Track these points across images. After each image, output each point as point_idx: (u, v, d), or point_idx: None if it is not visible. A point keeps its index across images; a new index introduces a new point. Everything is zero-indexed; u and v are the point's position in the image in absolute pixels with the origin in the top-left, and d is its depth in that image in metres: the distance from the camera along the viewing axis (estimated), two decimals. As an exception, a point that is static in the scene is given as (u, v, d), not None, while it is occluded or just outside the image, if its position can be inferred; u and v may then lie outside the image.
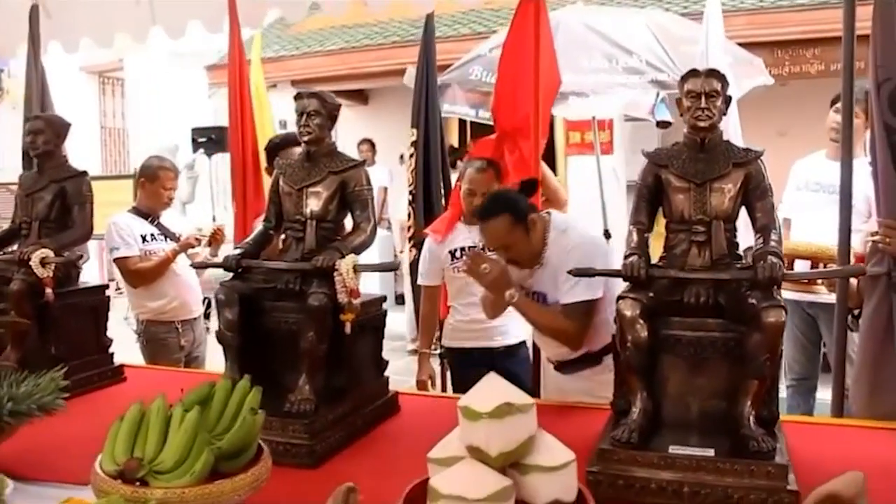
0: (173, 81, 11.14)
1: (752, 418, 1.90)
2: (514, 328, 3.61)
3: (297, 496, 1.94)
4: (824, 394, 4.18)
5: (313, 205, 2.46)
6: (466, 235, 3.59)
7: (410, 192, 4.23)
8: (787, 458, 1.85)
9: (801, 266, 3.65)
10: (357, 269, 2.30)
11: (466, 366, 3.64)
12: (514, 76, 3.44)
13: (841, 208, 2.92)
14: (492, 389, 1.41)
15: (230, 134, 3.87)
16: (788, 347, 3.91)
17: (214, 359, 4.32)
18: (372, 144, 8.21)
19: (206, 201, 9.43)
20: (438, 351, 3.88)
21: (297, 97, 2.47)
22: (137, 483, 1.56)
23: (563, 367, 2.84)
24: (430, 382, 3.78)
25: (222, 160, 9.34)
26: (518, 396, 1.39)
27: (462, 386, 3.56)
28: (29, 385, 2.04)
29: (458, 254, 3.59)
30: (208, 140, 8.60)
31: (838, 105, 3.66)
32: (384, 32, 9.56)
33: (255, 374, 1.94)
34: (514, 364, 3.53)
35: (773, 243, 2.01)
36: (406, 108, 4.42)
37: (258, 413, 1.70)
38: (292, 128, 2.58)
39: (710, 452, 1.87)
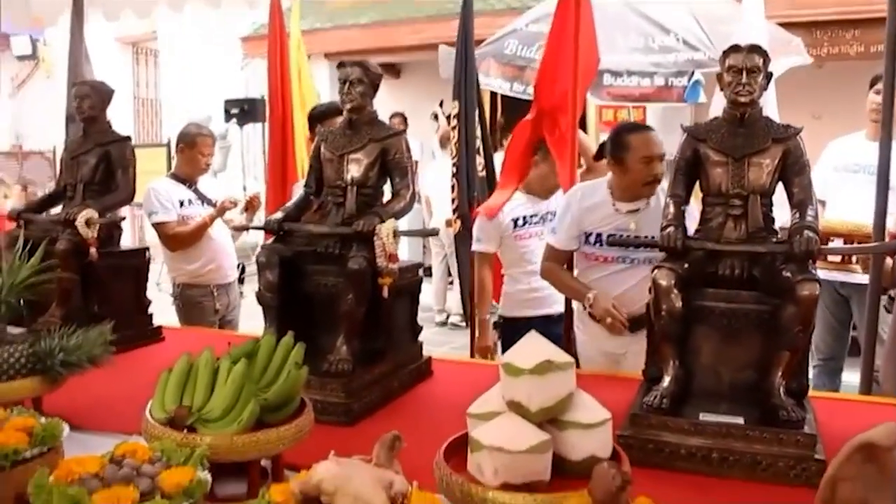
0: (206, 53, 11.23)
1: (782, 389, 1.94)
2: (560, 295, 3.64)
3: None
4: (850, 376, 4.20)
5: (354, 171, 2.51)
6: (528, 206, 3.68)
7: (454, 165, 4.27)
8: (815, 429, 1.89)
9: (837, 244, 3.65)
10: (397, 234, 2.35)
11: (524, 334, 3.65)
12: (556, 56, 3.48)
13: (878, 187, 2.92)
14: (533, 347, 1.45)
15: (270, 104, 3.92)
16: (818, 327, 3.92)
17: (247, 323, 4.42)
18: (404, 118, 8.24)
19: (237, 171, 9.53)
20: (494, 320, 3.90)
21: (341, 66, 2.51)
22: (186, 430, 1.63)
23: (634, 323, 2.86)
24: (493, 349, 3.83)
25: (253, 131, 9.42)
26: (558, 354, 1.43)
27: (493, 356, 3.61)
28: (78, 338, 2.11)
29: (520, 221, 3.66)
30: (241, 111, 8.67)
31: (879, 86, 3.64)
32: (418, 7, 9.55)
33: (293, 334, 2.00)
34: (561, 329, 3.56)
35: (809, 218, 2.03)
36: (437, 82, 4.44)
37: (302, 368, 1.76)
38: (326, 99, 2.64)
39: (740, 420, 1.92)
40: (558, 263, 3.13)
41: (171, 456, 1.44)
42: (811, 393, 2.13)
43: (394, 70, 10.49)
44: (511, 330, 3.77)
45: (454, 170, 4.36)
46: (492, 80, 5.60)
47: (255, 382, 1.73)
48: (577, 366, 2.77)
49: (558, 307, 3.63)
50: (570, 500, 1.23)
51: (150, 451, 1.46)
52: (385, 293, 2.37)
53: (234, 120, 8.74)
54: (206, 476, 1.38)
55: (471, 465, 1.40)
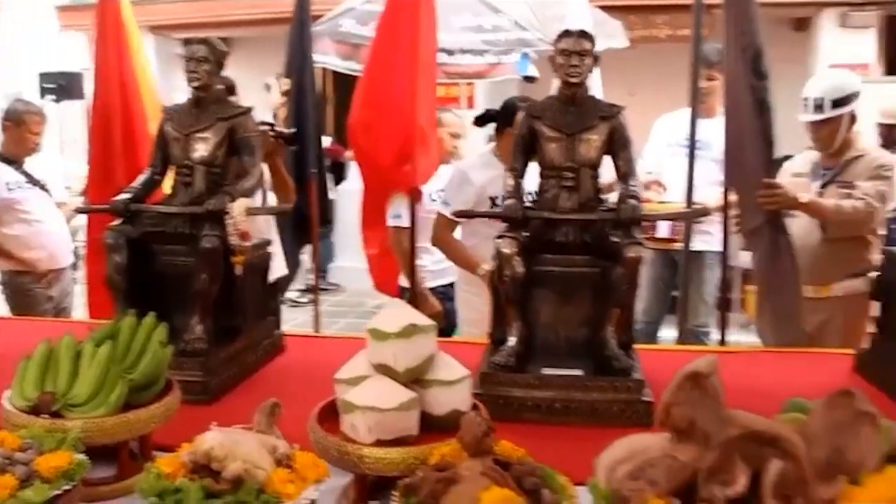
0: (8, 22, 10.40)
1: (613, 341, 2.17)
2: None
3: (197, 430, 2.03)
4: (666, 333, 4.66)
5: (202, 150, 2.50)
6: (439, 180, 3.89)
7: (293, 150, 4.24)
8: (642, 375, 2.13)
9: (662, 225, 4.04)
10: (249, 212, 2.38)
11: (440, 301, 3.95)
12: (391, 44, 3.55)
13: (689, 160, 3.24)
14: (397, 313, 1.57)
15: (96, 79, 3.71)
16: (645, 292, 4.32)
17: (83, 310, 4.24)
18: (231, 88, 8.05)
19: (54, 151, 8.97)
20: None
21: (187, 43, 2.50)
22: (51, 416, 1.61)
23: None
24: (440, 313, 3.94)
25: (70, 108, 8.87)
26: (421, 318, 1.56)
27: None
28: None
29: (433, 196, 3.88)
30: (58, 87, 8.14)
31: (707, 71, 4.01)
32: (250, -19, 9.32)
33: (154, 315, 1.98)
34: None
35: (633, 188, 2.26)
36: (269, 58, 4.41)
37: (167, 346, 1.78)
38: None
39: (579, 372, 2.13)
40: (450, 232, 3.43)
41: (43, 442, 1.44)
42: (636, 345, 2.39)
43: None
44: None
45: None
46: (326, 58, 5.61)
47: (120, 364, 1.73)
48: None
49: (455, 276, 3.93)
50: (441, 449, 1.36)
51: (18, 439, 1.44)
52: (238, 271, 2.41)
53: (52, 96, 8.20)
54: (84, 458, 1.39)
55: (344, 425, 1.50)
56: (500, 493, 1.19)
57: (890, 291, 2.50)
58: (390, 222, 3.97)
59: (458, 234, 3.64)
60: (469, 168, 3.49)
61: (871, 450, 1.16)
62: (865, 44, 8.73)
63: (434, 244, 3.58)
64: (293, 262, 4.41)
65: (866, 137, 5.18)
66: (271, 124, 3.71)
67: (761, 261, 3.13)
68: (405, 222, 3.89)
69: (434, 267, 4.01)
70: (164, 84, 4.23)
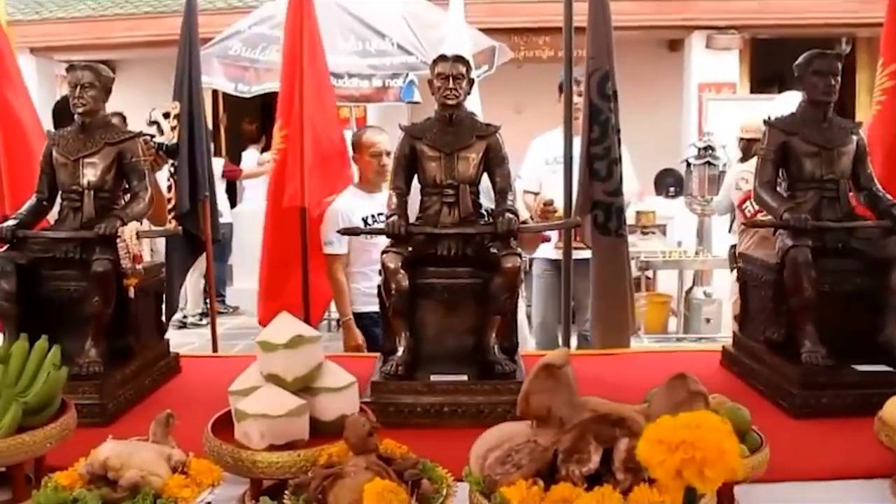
0: None
1: (496, 347, 2.32)
2: None
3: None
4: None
5: (90, 175, 2.52)
6: (371, 204, 3.98)
7: (173, 165, 4.25)
8: (525, 378, 2.27)
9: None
10: (140, 235, 2.42)
11: (376, 327, 3.86)
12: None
13: (565, 174, 3.45)
14: (284, 326, 1.67)
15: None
16: (541, 302, 4.54)
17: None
18: (123, 118, 7.92)
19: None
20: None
21: (71, 69, 2.52)
22: (-59, 442, 1.62)
23: None
24: (362, 345, 3.99)
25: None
26: (307, 330, 1.66)
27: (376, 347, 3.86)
28: None
29: (369, 220, 3.92)
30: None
31: (577, 88, 4.26)
32: (134, 2, 9.20)
33: (45, 338, 2.00)
34: None
35: (509, 202, 2.42)
36: (156, 80, 4.40)
37: (62, 368, 1.82)
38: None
39: (464, 377, 2.26)
40: None
41: (-66, 466, 1.46)
42: (524, 352, 2.54)
43: (108, 67, 9.98)
44: (360, 324, 4.01)
45: (172, 170, 4.32)
46: (215, 79, 5.61)
47: (12, 387, 1.76)
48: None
49: None
50: (329, 450, 1.46)
51: None
52: (131, 293, 2.44)
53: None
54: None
55: (238, 433, 1.59)
56: (382, 483, 1.30)
57: (745, 292, 2.76)
58: (324, 250, 4.00)
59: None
60: None
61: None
62: (730, 64, 9.37)
63: None
64: (179, 284, 4.42)
65: (731, 151, 5.62)
66: (150, 135, 3.70)
67: (603, 268, 3.42)
68: (337, 249, 3.96)
69: (369, 292, 3.96)
70: (46, 106, 4.15)
